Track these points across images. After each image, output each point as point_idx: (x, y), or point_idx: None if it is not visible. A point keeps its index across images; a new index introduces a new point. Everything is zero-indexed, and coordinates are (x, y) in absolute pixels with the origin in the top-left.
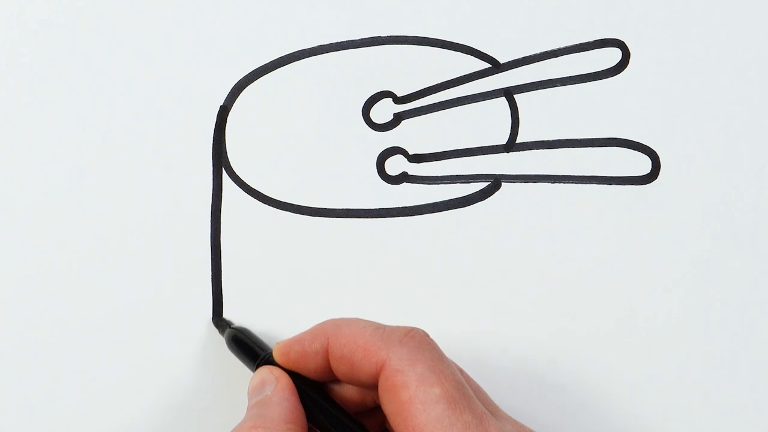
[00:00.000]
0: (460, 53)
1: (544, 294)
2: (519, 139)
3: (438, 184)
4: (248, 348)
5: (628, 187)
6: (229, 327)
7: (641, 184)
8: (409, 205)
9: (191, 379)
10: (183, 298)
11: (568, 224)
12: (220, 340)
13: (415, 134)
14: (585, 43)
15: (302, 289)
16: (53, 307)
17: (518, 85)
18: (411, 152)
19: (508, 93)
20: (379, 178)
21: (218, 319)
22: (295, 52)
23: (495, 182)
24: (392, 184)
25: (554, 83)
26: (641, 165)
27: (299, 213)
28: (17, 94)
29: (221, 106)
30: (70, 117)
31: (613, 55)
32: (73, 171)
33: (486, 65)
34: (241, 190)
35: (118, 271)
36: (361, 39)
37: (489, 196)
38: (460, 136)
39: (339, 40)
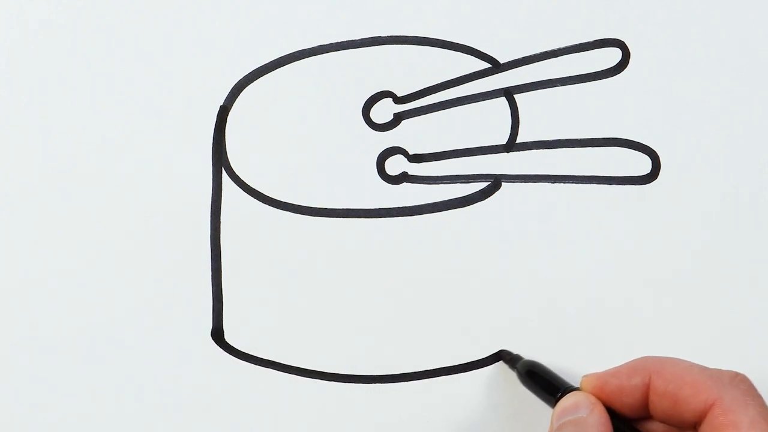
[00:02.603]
0: (460, 53)
1: (544, 294)
2: (519, 139)
3: (438, 184)
4: (545, 381)
5: (628, 187)
6: (520, 360)
7: (641, 184)
8: (409, 205)
9: (190, 379)
10: (183, 299)
11: (568, 224)
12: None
13: (415, 134)
14: (585, 43)
15: (302, 289)
16: (53, 306)
17: (518, 85)
18: (411, 152)
19: (508, 93)
20: (379, 178)
21: (507, 353)
22: (295, 52)
23: (495, 182)
24: (392, 184)
25: (554, 83)
26: (641, 165)
27: (299, 213)
28: (17, 94)
29: (221, 106)
30: (70, 117)
31: (613, 55)
32: (72, 171)
33: (486, 65)
34: (241, 190)
35: (117, 271)
36: (361, 39)
37: (489, 196)
38: (460, 136)
39: (339, 40)
